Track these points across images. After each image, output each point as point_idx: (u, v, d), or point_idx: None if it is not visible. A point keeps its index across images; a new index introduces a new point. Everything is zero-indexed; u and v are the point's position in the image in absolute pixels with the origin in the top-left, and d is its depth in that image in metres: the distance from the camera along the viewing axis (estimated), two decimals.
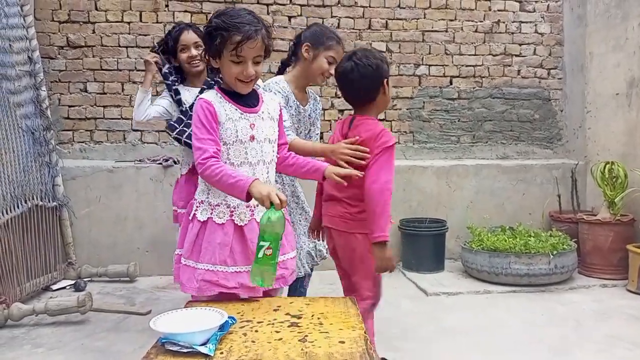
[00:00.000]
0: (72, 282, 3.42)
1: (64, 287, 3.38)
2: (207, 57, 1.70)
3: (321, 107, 2.49)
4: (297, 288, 2.34)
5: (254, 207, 1.68)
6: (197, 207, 1.70)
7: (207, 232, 1.66)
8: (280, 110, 1.82)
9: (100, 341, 2.53)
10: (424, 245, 3.74)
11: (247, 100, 1.73)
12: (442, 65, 4.34)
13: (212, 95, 1.70)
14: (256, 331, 1.37)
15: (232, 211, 1.67)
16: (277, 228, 1.52)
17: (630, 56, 3.79)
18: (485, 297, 3.24)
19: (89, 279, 3.53)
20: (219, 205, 1.67)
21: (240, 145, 1.68)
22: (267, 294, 1.74)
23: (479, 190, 4.12)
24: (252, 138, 1.69)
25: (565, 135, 4.52)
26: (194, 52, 2.57)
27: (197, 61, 2.60)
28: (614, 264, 3.51)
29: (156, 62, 2.62)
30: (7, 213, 2.94)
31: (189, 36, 2.59)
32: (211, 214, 1.67)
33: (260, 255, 1.51)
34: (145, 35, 4.01)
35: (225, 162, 1.65)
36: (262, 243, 1.51)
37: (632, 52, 3.78)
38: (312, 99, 2.40)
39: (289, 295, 2.29)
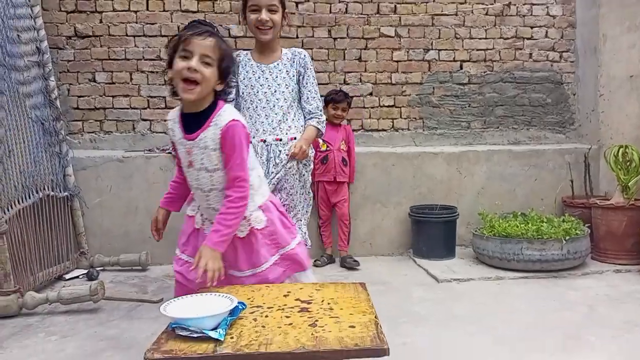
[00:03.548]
0: (85, 271, 3.46)
1: (76, 277, 3.41)
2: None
3: (307, 60, 2.47)
4: None
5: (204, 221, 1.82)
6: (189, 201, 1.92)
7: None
8: (222, 139, 1.63)
9: (113, 329, 2.55)
10: (435, 232, 3.72)
11: (193, 123, 1.67)
12: (452, 50, 4.28)
13: (172, 115, 1.76)
14: (266, 316, 1.37)
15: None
16: None
17: None
18: (497, 284, 3.22)
19: (102, 268, 3.56)
20: (192, 200, 1.89)
21: (186, 170, 1.77)
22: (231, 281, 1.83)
23: (490, 176, 4.08)
24: (190, 164, 1.72)
25: (577, 120, 4.45)
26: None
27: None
28: (627, 249, 3.46)
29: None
30: (18, 203, 2.96)
31: None
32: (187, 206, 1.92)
33: None
34: (153, 24, 3.99)
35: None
36: None
37: None
38: (286, 57, 2.43)
39: None
